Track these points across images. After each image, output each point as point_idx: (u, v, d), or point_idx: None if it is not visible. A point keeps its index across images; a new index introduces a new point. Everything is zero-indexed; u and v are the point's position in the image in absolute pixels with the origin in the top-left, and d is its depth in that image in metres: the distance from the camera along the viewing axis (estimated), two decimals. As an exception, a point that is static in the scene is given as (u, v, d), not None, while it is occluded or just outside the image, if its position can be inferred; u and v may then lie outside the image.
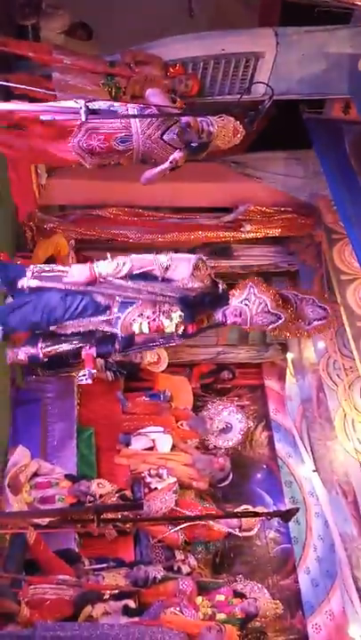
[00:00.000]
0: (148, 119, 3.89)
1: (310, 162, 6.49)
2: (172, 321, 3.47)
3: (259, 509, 6.27)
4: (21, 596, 4.15)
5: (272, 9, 6.24)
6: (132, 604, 4.74)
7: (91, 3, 6.21)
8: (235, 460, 6.73)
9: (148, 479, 5.99)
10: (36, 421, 5.63)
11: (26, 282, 3.48)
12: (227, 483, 6.50)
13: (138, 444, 6.34)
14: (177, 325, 3.49)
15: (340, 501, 6.42)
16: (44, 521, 4.56)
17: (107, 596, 4.63)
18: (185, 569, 5.76)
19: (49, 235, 6.37)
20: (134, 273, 3.45)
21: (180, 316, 3.48)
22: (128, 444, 6.30)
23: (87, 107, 2.75)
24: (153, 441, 6.42)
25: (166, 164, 3.99)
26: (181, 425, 6.87)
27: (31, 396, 5.77)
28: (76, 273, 3.44)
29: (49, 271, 3.56)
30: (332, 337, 6.58)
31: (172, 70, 5.18)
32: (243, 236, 7.07)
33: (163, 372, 7.38)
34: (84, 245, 6.95)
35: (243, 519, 6.21)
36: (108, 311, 3.56)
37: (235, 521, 6.20)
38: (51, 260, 6.14)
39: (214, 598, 5.59)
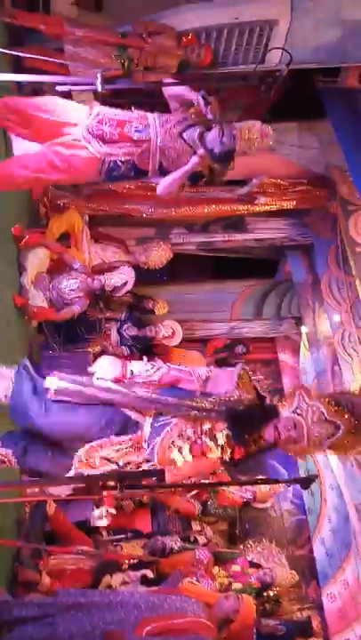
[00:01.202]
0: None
1: (324, 132, 6.39)
2: (218, 442, 2.83)
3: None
4: (42, 566, 4.24)
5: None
6: (149, 573, 4.81)
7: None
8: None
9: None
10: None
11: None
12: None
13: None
14: (223, 448, 2.84)
15: (355, 473, 6.44)
16: (63, 493, 4.64)
17: (125, 566, 4.72)
18: (201, 540, 5.83)
19: (62, 211, 6.35)
20: (165, 382, 3.00)
21: (228, 435, 2.83)
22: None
23: (103, 76, 2.69)
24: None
25: (189, 165, 3.44)
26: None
27: (47, 371, 5.79)
28: (105, 364, 3.06)
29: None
30: (348, 310, 6.56)
31: (184, 40, 5.12)
32: (257, 209, 7.02)
33: (177, 346, 7.41)
34: (99, 221, 6.92)
35: (257, 491, 6.27)
36: (137, 430, 2.95)
37: (249, 493, 6.27)
38: (65, 235, 6.16)
39: (230, 568, 5.66)
